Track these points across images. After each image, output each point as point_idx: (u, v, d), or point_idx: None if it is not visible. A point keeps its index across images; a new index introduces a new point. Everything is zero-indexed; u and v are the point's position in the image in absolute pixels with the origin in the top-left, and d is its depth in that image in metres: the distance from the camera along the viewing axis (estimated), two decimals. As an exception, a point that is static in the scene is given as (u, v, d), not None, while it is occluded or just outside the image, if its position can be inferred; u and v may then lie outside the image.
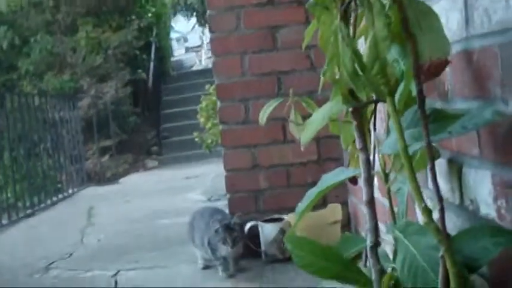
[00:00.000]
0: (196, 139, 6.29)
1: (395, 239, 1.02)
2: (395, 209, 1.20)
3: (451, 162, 1.18)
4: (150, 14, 12.31)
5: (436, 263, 0.90)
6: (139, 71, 11.01)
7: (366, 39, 0.95)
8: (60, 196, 7.03)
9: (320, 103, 1.33)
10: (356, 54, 0.94)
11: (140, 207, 5.43)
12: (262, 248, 2.97)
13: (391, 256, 1.12)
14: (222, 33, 3.15)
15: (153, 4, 12.66)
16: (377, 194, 1.55)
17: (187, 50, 23.14)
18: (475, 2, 1.00)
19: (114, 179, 8.88)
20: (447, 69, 1.01)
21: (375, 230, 1.09)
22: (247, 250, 2.95)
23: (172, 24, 17.53)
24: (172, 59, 15.99)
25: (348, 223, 3.05)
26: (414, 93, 0.91)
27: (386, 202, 1.23)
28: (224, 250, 2.82)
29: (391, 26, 0.90)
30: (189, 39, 23.93)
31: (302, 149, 1.34)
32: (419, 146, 0.96)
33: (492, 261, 0.94)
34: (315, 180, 1.26)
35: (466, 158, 1.11)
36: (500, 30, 0.91)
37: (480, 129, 1.01)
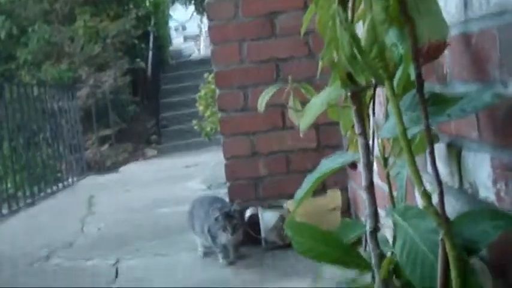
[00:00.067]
0: (195, 127, 6.29)
1: (395, 223, 1.02)
2: (395, 194, 1.20)
3: (450, 145, 1.18)
4: (148, 3, 12.27)
5: (435, 246, 0.90)
6: (138, 60, 11.00)
7: (364, 23, 0.95)
8: (60, 185, 7.03)
9: (319, 88, 1.32)
10: (354, 38, 0.93)
11: (140, 196, 5.43)
12: (262, 234, 2.98)
13: (390, 241, 1.12)
14: (220, 21, 3.14)
15: (151, -7, 12.64)
16: (376, 179, 1.55)
17: (186, 39, 23.08)
18: (474, -16, 0.99)
19: (113, 168, 8.88)
20: (446, 52, 1.01)
21: (375, 215, 1.10)
22: (247, 237, 2.96)
23: (171, 12, 17.48)
24: (171, 48, 15.96)
25: (347, 209, 3.05)
26: (413, 77, 0.90)
27: (385, 187, 1.23)
28: (224, 237, 2.83)
29: (389, 9, 0.89)
30: (187, 28, 23.86)
31: (301, 135, 1.34)
32: (418, 129, 0.96)
33: (492, 244, 0.94)
34: (314, 166, 1.26)
35: (465, 141, 1.11)
36: (498, 12, 0.91)
37: (479, 112, 1.01)
